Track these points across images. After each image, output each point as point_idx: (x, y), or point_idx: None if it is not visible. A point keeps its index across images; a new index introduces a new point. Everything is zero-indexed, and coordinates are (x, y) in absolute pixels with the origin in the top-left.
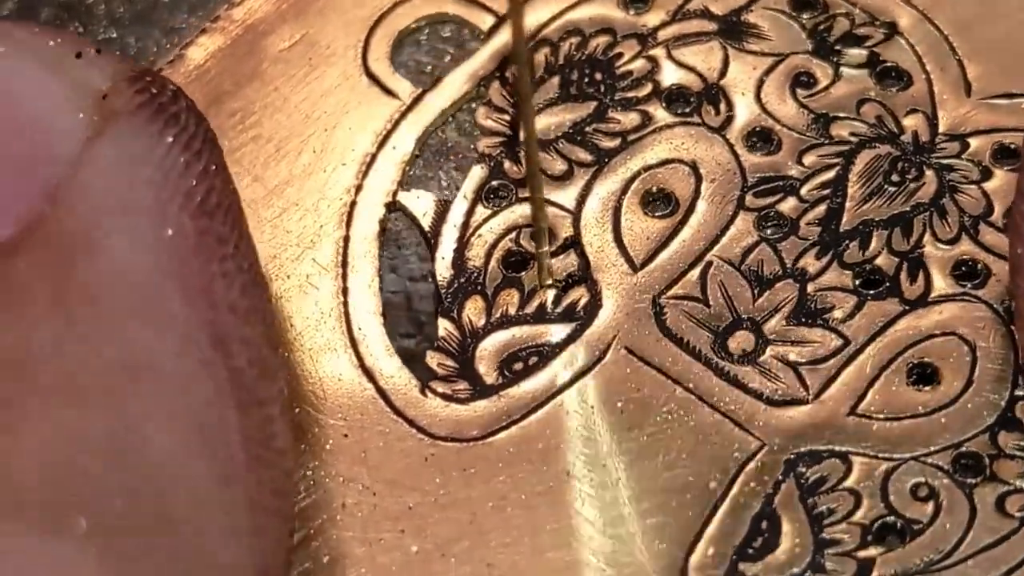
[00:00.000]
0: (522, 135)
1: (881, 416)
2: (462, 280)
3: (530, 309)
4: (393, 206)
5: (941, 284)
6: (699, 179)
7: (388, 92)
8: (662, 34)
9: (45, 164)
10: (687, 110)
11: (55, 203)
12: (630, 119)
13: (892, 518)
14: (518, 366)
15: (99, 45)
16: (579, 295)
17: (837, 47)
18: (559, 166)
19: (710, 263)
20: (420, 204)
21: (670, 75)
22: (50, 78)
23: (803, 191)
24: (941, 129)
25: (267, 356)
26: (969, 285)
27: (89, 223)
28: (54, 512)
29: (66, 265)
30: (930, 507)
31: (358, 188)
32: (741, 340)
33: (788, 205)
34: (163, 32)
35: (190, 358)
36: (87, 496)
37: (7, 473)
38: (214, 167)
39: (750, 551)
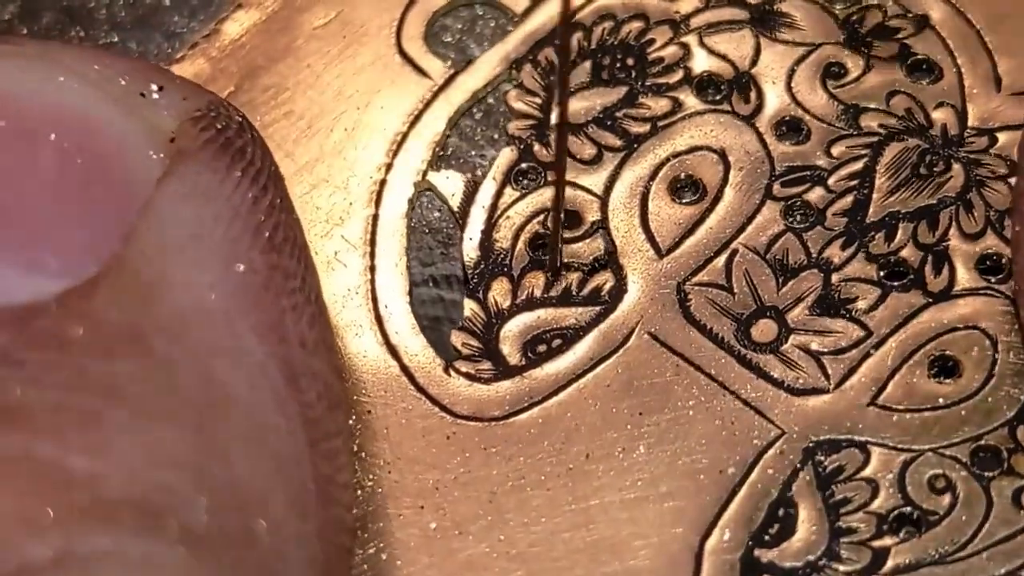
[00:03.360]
0: (554, 118)
1: (901, 407)
2: (489, 261)
3: (555, 292)
4: (423, 186)
5: (965, 277)
6: (727, 167)
7: (421, 72)
8: (695, 21)
9: (121, 205)
10: (717, 98)
11: (129, 242)
12: (660, 105)
13: (908, 509)
14: (542, 348)
15: (162, 80)
16: (604, 279)
17: (868, 38)
18: (588, 150)
19: (736, 251)
20: (449, 184)
21: (701, 62)
22: (124, 119)
23: (831, 181)
24: (970, 123)
25: (334, 387)
26: (993, 279)
27: (161, 261)
28: (145, 515)
29: (142, 301)
30: (947, 499)
31: (388, 167)
32: (764, 328)
33: (815, 195)
34: (164, 36)
35: (264, 393)
36: (175, 504)
37: (99, 484)
38: (280, 200)
39: (766, 537)
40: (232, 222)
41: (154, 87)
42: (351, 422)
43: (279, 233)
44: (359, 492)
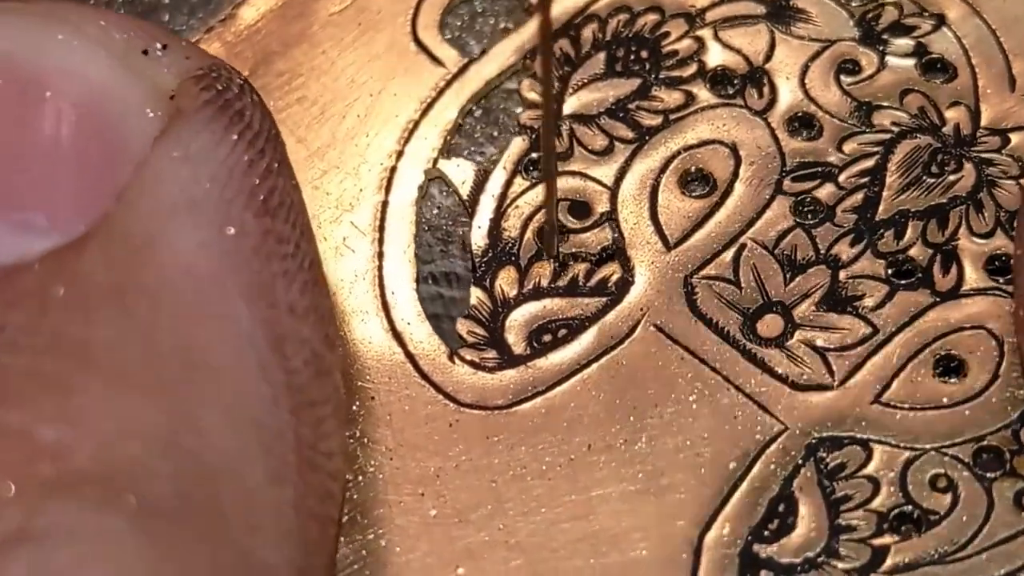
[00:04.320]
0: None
1: (905, 406)
2: (497, 250)
3: (562, 282)
4: (433, 173)
5: (973, 277)
6: (738, 161)
7: (435, 60)
8: (710, 15)
9: (117, 164)
10: (730, 92)
11: (120, 202)
12: (673, 98)
13: (909, 507)
14: (547, 338)
15: (167, 39)
16: (611, 270)
17: (884, 36)
18: (600, 141)
19: (744, 245)
20: (460, 172)
21: (715, 56)
22: (123, 76)
23: (841, 178)
24: (983, 123)
25: (323, 355)
26: (1001, 280)
27: (153, 221)
28: (107, 489)
29: (129, 263)
30: (948, 499)
31: (399, 154)
32: (770, 323)
33: (826, 191)
34: None
35: (248, 359)
36: (139, 478)
37: (66, 455)
38: (277, 164)
39: (766, 533)
40: (226, 184)
41: (158, 45)
42: (355, 408)
43: (274, 197)
44: (360, 478)
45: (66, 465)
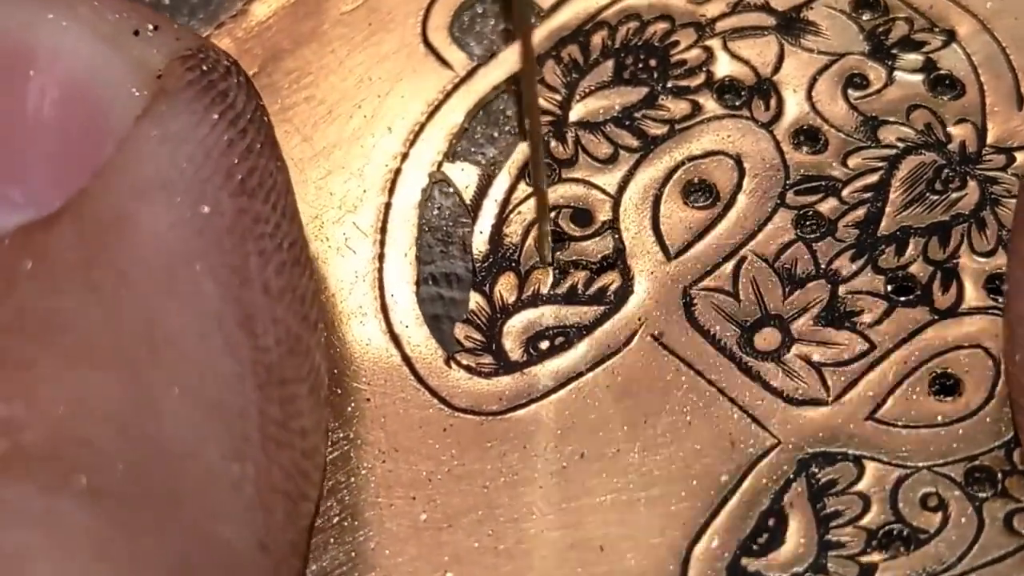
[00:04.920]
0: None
1: (899, 423)
2: (497, 255)
3: (561, 289)
4: (437, 176)
5: (973, 296)
6: (742, 173)
7: (443, 63)
8: (720, 25)
9: (97, 141)
10: (737, 103)
11: (97, 178)
12: (680, 108)
13: (899, 525)
14: (544, 345)
15: (159, 22)
16: (611, 280)
17: (893, 51)
18: (605, 149)
19: (744, 258)
20: (464, 176)
21: (724, 67)
22: (110, 55)
23: (844, 193)
24: (989, 141)
25: (299, 335)
26: (1000, 299)
27: (127, 199)
28: (56, 469)
29: (100, 239)
30: (938, 518)
31: (404, 156)
32: (767, 337)
33: (828, 206)
34: None
35: (214, 336)
36: (91, 459)
37: (18, 432)
38: (260, 145)
39: (754, 546)
40: (203, 164)
41: (149, 26)
42: (349, 409)
43: (253, 178)
44: (352, 480)
45: (16, 443)
